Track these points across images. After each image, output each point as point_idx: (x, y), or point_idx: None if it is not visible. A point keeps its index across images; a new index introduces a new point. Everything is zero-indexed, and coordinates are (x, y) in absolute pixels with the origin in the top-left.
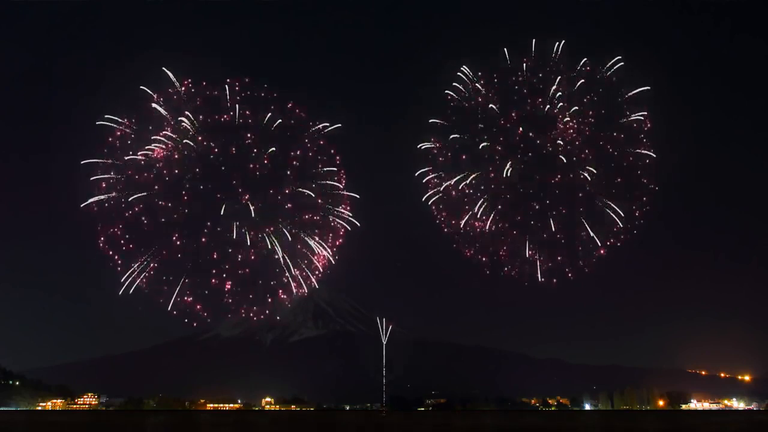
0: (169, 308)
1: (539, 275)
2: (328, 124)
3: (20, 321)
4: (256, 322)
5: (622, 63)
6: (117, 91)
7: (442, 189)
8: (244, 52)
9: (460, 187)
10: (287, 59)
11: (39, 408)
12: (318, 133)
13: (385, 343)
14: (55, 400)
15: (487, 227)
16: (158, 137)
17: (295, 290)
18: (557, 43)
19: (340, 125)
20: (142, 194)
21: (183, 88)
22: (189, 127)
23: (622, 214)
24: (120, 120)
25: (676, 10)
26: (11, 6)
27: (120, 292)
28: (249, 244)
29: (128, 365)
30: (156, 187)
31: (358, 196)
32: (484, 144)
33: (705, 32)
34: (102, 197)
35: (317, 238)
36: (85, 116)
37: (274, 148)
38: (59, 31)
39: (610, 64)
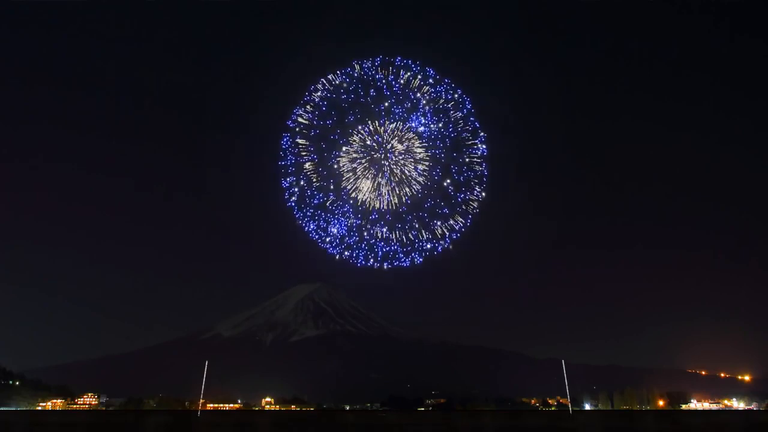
0: None
1: None
2: None
3: (20, 321)
4: (256, 322)
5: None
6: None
7: None
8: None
9: None
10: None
11: (39, 408)
12: None
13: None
14: (55, 400)
15: None
16: None
17: None
18: None
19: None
20: None
21: None
22: None
23: None
24: None
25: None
26: (11, 6)
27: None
28: None
29: (128, 365)
30: None
31: None
32: None
33: (705, 32)
34: None
35: None
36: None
37: None
38: (59, 31)
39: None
